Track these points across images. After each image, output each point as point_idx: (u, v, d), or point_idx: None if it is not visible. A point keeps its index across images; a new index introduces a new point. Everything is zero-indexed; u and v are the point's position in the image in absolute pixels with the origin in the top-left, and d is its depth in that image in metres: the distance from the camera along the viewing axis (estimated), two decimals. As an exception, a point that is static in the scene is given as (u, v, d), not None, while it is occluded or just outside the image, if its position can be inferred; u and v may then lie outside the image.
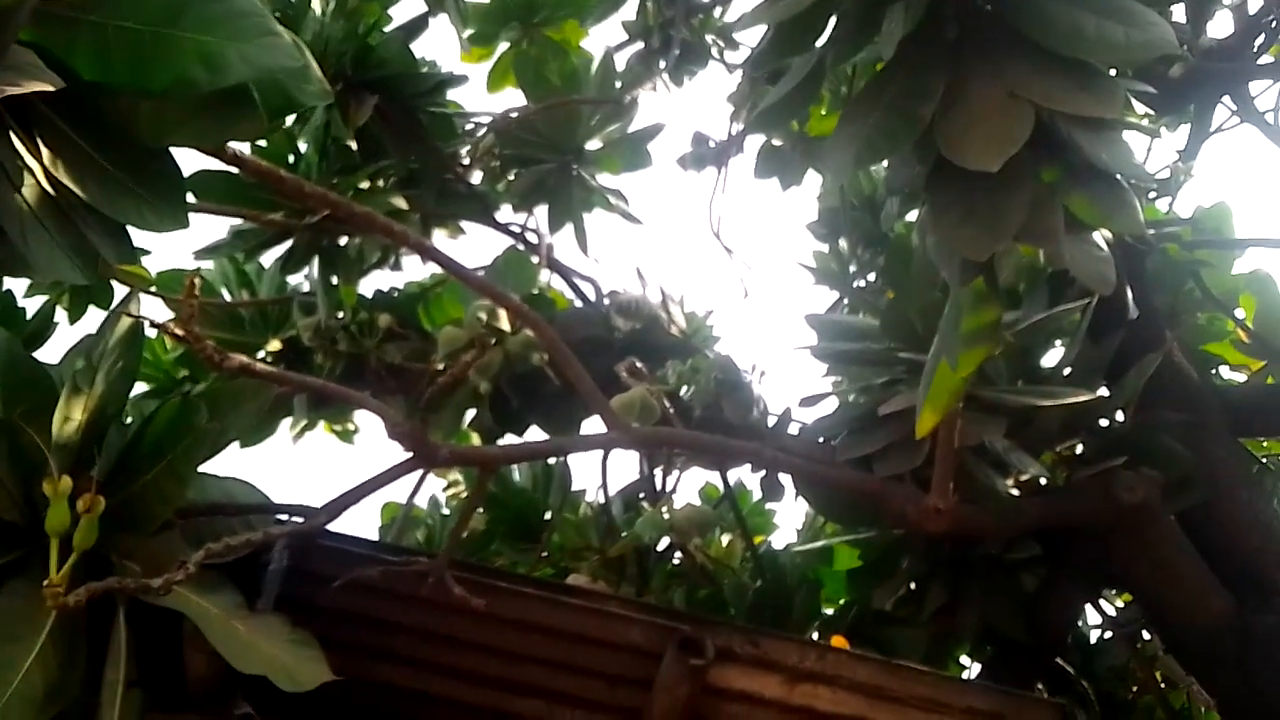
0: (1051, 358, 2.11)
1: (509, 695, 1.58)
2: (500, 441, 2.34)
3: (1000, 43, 1.27)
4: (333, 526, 1.46)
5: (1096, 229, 1.37)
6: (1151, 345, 2.14)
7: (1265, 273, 2.55)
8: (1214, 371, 2.60)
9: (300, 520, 1.39)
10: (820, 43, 1.35)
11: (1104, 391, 2.07)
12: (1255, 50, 2.72)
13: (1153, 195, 2.93)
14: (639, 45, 3.08)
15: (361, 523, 5.49)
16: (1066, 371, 2.06)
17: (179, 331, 1.16)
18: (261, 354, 2.59)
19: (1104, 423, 2.09)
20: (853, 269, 3.57)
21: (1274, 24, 2.72)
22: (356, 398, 1.55)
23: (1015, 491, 1.89)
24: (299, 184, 1.44)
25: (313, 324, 2.38)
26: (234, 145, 1.29)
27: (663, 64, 3.02)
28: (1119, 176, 1.30)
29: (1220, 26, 2.71)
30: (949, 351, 1.47)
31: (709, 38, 3.25)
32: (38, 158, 1.09)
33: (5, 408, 1.19)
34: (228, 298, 2.63)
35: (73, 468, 1.18)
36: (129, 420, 1.44)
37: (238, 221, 2.24)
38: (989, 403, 1.80)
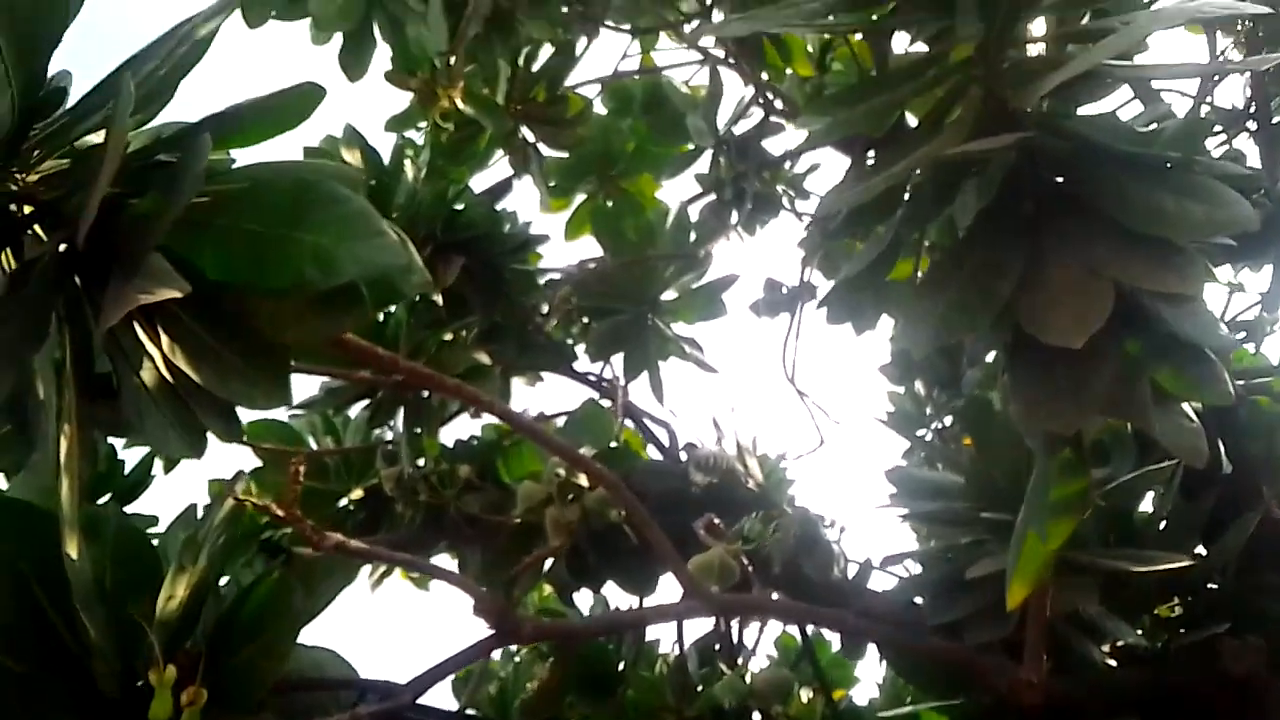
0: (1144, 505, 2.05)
1: None
2: (576, 596, 2.34)
3: (1078, 219, 1.29)
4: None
5: (1184, 401, 1.35)
6: (1248, 502, 2.06)
7: (1368, 421, 2.45)
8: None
9: (386, 697, 1.39)
10: (895, 217, 1.40)
11: (1201, 551, 2.00)
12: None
13: (1241, 336, 2.88)
14: (712, 197, 3.19)
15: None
16: (1161, 526, 1.99)
17: (280, 513, 1.20)
18: (344, 501, 2.65)
19: (1204, 584, 2.00)
20: (929, 411, 3.54)
21: (1352, 169, 2.71)
22: (445, 574, 1.58)
23: (1112, 661, 1.81)
24: (394, 360, 1.50)
25: (395, 474, 2.44)
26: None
27: (735, 215, 3.11)
28: (1205, 349, 1.30)
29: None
30: (1038, 522, 1.44)
31: (780, 188, 3.35)
32: (158, 345, 1.16)
33: (112, 581, 1.23)
34: (314, 445, 2.71)
35: (173, 642, 1.21)
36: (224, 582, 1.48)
37: (329, 380, 2.33)
38: (1081, 567, 1.75)
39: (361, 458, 2.67)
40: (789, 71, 3.48)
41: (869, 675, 3.07)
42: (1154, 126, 1.96)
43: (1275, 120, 2.73)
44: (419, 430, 2.42)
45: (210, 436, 1.20)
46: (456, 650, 1.45)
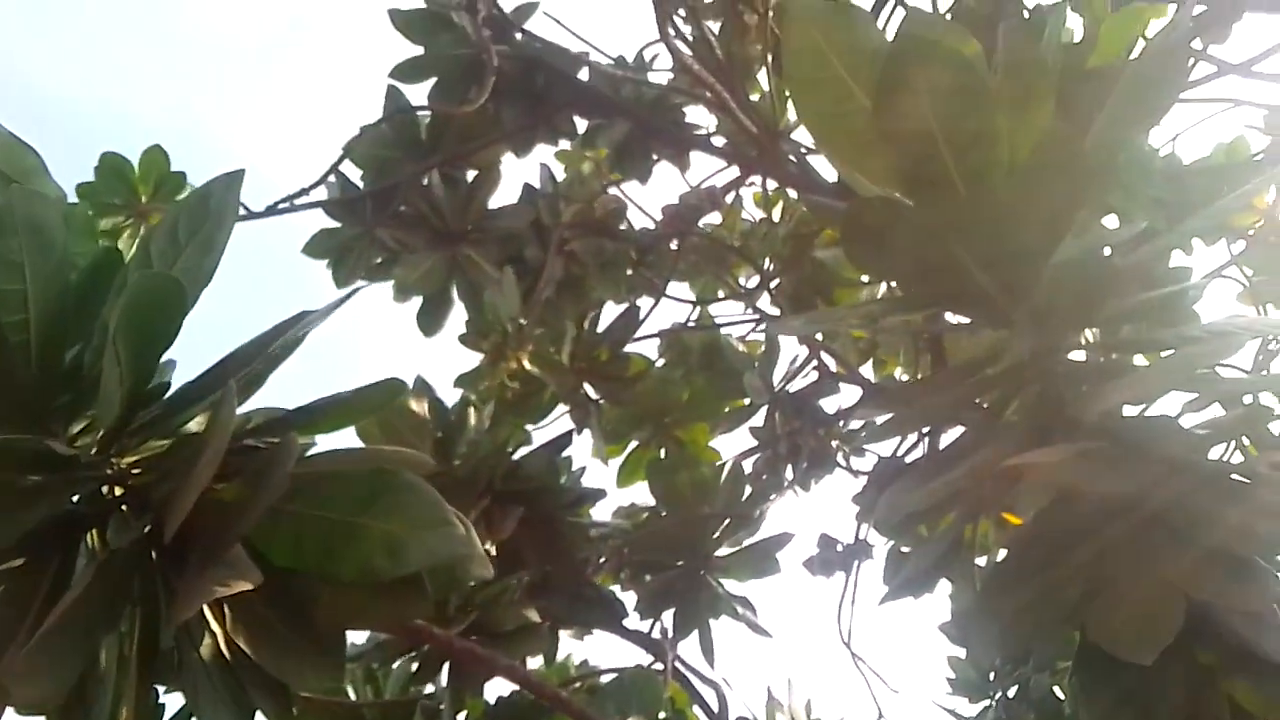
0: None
1: None
2: None
3: (1144, 527, 1.28)
4: None
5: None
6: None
7: None
8: None
9: None
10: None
11: None
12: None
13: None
14: (767, 452, 3.23)
15: None
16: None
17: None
18: (381, 758, 2.55)
19: None
20: (991, 678, 3.39)
21: None
22: None
23: None
24: (448, 640, 1.50)
25: (435, 731, 2.36)
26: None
27: (790, 471, 3.14)
28: (1282, 664, 1.25)
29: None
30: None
31: (835, 443, 3.38)
32: (222, 623, 1.18)
33: None
34: (353, 696, 2.65)
35: None
36: None
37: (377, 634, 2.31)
38: None
39: (400, 711, 2.59)
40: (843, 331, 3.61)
41: None
42: (1212, 417, 1.97)
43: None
44: (460, 687, 2.37)
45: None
46: None
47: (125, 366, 0.99)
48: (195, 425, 1.15)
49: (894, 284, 1.57)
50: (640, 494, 3.19)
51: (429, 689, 2.62)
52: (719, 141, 3.30)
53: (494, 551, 2.49)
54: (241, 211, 2.47)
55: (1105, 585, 1.25)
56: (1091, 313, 1.35)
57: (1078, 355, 1.44)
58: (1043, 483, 1.33)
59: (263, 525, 1.11)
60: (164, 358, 1.14)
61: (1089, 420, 1.33)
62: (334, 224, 3.17)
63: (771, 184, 3.42)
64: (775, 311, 3.39)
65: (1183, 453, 1.30)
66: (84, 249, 1.10)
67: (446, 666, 2.34)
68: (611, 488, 3.37)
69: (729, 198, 3.38)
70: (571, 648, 3.84)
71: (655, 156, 3.27)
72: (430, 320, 3.10)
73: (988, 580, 1.35)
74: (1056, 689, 2.12)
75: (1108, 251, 1.43)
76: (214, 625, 1.17)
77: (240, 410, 1.22)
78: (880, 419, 1.37)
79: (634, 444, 3.45)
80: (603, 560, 2.84)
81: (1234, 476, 1.26)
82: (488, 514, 2.38)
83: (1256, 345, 2.92)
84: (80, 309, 1.09)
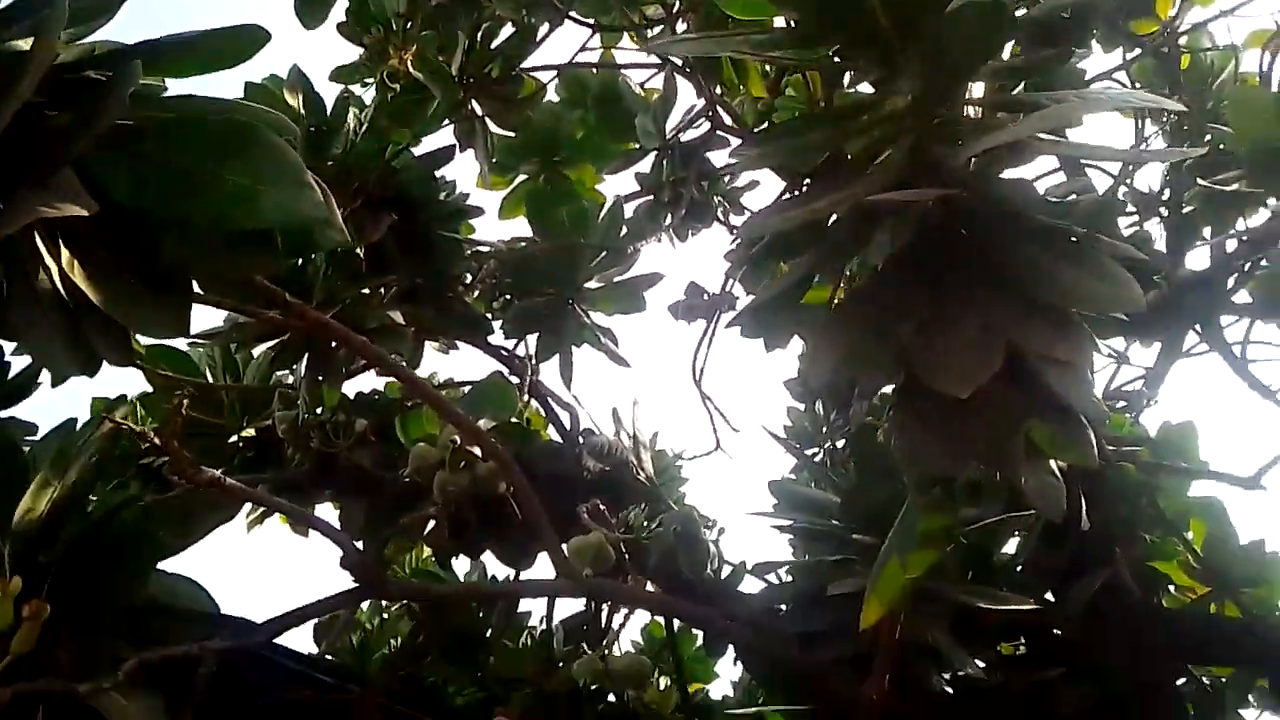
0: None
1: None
2: (454, 562, 2.36)
3: (983, 277, 1.35)
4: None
5: (1052, 458, 1.44)
6: (1102, 559, 2.20)
7: (1219, 502, 2.62)
8: (1162, 590, 2.65)
9: (241, 634, 1.39)
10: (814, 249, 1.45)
11: (1050, 598, 2.12)
12: (1230, 287, 2.87)
13: (1121, 406, 3.04)
14: (649, 198, 3.22)
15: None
16: (1018, 571, 2.10)
17: (158, 442, 1.19)
18: (234, 438, 2.61)
19: (1049, 630, 2.12)
20: (824, 431, 3.64)
21: (1245, 266, 2.87)
22: (318, 523, 1.57)
23: (950, 690, 1.91)
24: (303, 308, 1.49)
25: (290, 418, 2.41)
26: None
27: (669, 218, 3.15)
28: (1080, 414, 1.38)
29: (1198, 259, 2.87)
30: (902, 550, 1.52)
31: (717, 199, 3.39)
32: (57, 259, 1.14)
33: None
34: (210, 379, 2.66)
35: (26, 554, 1.20)
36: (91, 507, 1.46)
37: (236, 315, 2.29)
38: (935, 596, 1.84)
39: (259, 397, 2.63)
40: (743, 89, 3.54)
41: (728, 674, 3.15)
42: (1072, 197, 2.07)
43: (1184, 210, 2.88)
44: (321, 378, 2.40)
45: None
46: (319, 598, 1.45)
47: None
48: (27, 44, 1.06)
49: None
50: (522, 229, 3.16)
51: (290, 380, 2.66)
52: None
53: (362, 254, 2.46)
54: None
55: (936, 326, 1.33)
56: (982, 62, 1.35)
57: (959, 111, 1.46)
58: (900, 224, 1.38)
59: (108, 160, 1.06)
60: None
61: (954, 169, 1.37)
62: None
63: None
64: (678, 61, 3.27)
65: (1033, 212, 1.36)
66: None
67: (307, 355, 2.36)
68: (494, 222, 3.34)
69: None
70: (435, 364, 3.91)
71: None
72: (310, 9, 2.87)
73: (832, 312, 1.43)
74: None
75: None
76: (49, 260, 1.13)
77: (85, 41, 1.13)
78: (749, 149, 1.38)
79: (521, 178, 3.38)
80: (473, 280, 2.85)
81: (1072, 239, 1.32)
82: (357, 215, 2.33)
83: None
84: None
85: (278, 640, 1.62)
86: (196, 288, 1.52)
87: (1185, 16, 2.90)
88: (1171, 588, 2.67)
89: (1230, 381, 2.90)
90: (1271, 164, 2.07)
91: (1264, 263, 2.99)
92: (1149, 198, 2.88)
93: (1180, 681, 2.44)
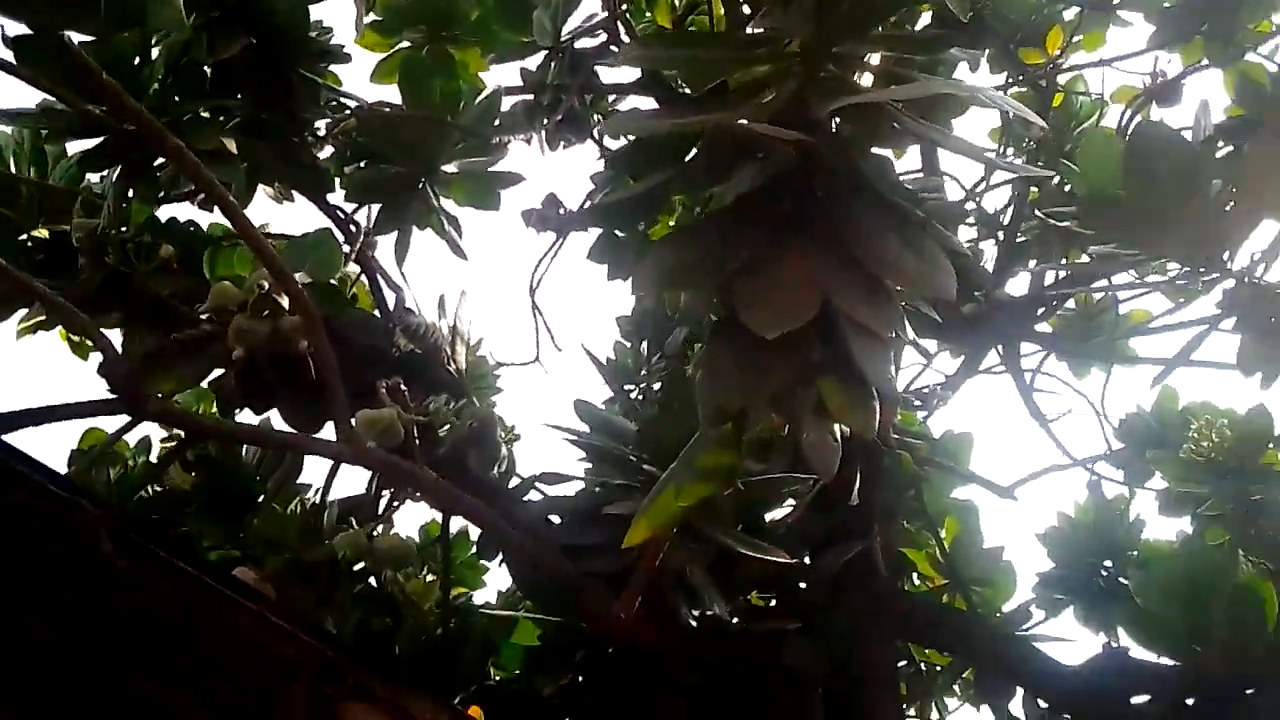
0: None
1: (130, 671, 1.50)
2: (239, 415, 2.26)
3: (820, 232, 1.40)
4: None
5: (836, 420, 1.51)
6: (860, 534, 2.35)
7: (975, 506, 2.85)
8: (907, 576, 2.86)
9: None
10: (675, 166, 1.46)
11: (807, 560, 2.25)
12: (1037, 316, 3.08)
13: (917, 404, 3.23)
14: (529, 97, 3.15)
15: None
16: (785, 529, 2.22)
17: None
18: (25, 236, 2.40)
19: (798, 588, 2.25)
20: (643, 372, 3.70)
21: (1054, 301, 3.10)
22: (81, 320, 1.46)
23: (694, 623, 2.00)
24: (118, 91, 1.37)
25: (89, 227, 2.23)
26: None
27: (545, 122, 3.09)
28: (870, 383, 1.45)
29: (1019, 286, 3.07)
30: (679, 479, 1.57)
31: (596, 116, 3.36)
32: None
33: None
34: (12, 168, 2.43)
35: None
36: None
37: (52, 99, 2.09)
38: (701, 534, 1.91)
39: (60, 199, 2.42)
40: (649, 16, 3.51)
41: (500, 583, 3.18)
42: (924, 195, 2.15)
43: (1019, 239, 3.07)
44: (132, 191, 2.23)
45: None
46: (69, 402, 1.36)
47: None
48: None
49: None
50: (392, 96, 3.02)
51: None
52: None
53: (208, 72, 2.30)
54: None
55: (764, 267, 1.37)
56: (875, 21, 1.38)
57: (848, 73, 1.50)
58: (761, 165, 1.41)
59: None
60: None
61: (824, 123, 1.40)
62: None
63: None
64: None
65: (882, 189, 1.42)
66: None
67: (122, 164, 2.19)
68: (364, 82, 3.18)
69: None
70: (267, 215, 3.72)
71: None
72: None
73: (671, 233, 1.44)
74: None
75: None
76: None
77: None
78: (640, 48, 1.37)
79: (404, 44, 3.23)
80: (326, 133, 2.71)
81: (920, 213, 1.38)
82: (211, 28, 2.16)
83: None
84: None
85: (20, 449, 1.50)
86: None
87: (1070, 57, 3.07)
88: (915, 576, 2.89)
89: (1014, 403, 3.14)
90: (1105, 211, 2.24)
91: (1070, 304, 3.25)
92: (991, 218, 3.05)
93: (901, 664, 2.65)
